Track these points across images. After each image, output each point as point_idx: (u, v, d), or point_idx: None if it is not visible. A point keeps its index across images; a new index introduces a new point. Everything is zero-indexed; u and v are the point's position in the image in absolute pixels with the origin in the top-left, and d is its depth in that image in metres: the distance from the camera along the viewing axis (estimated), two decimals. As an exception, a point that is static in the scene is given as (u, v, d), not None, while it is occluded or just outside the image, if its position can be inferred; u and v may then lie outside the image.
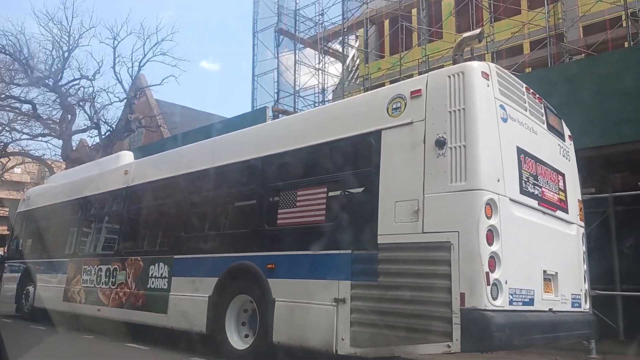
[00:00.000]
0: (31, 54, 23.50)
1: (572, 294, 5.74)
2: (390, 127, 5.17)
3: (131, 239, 8.76)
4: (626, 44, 13.75)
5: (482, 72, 4.84)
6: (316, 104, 21.41)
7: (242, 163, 6.85)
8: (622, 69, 8.78)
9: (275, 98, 20.74)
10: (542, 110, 5.87)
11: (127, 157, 9.95)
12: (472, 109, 4.67)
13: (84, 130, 25.11)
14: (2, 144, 27.26)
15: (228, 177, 7.09)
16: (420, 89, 5.05)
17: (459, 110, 4.70)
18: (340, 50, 21.78)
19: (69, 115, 23.84)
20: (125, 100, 24.13)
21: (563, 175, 6.08)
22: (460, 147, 4.61)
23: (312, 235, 5.61)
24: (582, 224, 6.39)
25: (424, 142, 4.83)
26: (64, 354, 7.03)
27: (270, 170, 6.46)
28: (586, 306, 6.05)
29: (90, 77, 24.08)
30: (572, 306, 5.73)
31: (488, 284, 4.31)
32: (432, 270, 4.51)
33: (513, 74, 5.64)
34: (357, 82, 21.10)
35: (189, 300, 6.83)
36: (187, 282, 7.03)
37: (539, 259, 5.19)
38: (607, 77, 8.88)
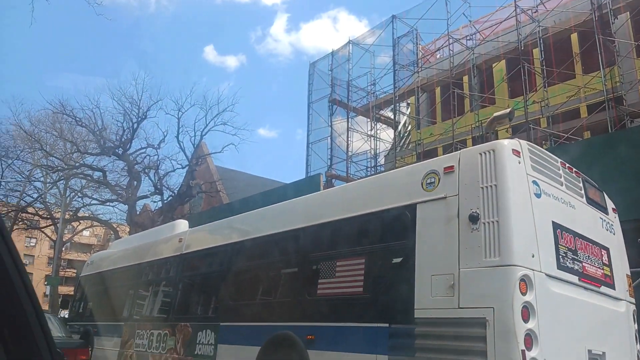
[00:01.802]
0: (104, 126, 25.45)
1: None
2: (425, 201, 5.26)
3: (182, 305, 8.93)
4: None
5: (512, 149, 4.93)
6: (368, 169, 21.63)
7: (285, 233, 7.04)
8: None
9: (329, 164, 21.14)
10: (581, 184, 5.84)
11: (182, 225, 10.34)
12: (504, 185, 4.72)
13: (147, 196, 26.47)
14: (74, 208, 29.08)
15: (272, 246, 7.30)
16: (453, 165, 5.17)
17: (491, 186, 4.76)
18: (392, 117, 22.17)
19: (135, 182, 25.29)
20: (187, 167, 25.35)
21: (607, 249, 5.91)
22: (493, 222, 4.63)
23: (350, 306, 5.69)
24: (633, 300, 6.11)
25: (458, 217, 4.87)
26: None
27: (310, 239, 6.65)
28: None
29: (155, 146, 25.68)
30: None
31: None
32: (468, 347, 4.42)
33: (549, 150, 5.78)
34: (410, 148, 21.25)
35: None
36: (231, 349, 7.06)
37: (582, 337, 5.02)
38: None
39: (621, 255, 6.22)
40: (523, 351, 4.18)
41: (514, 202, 4.69)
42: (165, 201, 25.36)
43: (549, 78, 16.49)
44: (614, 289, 5.76)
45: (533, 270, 4.52)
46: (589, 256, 5.50)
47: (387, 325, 5.14)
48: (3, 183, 27.21)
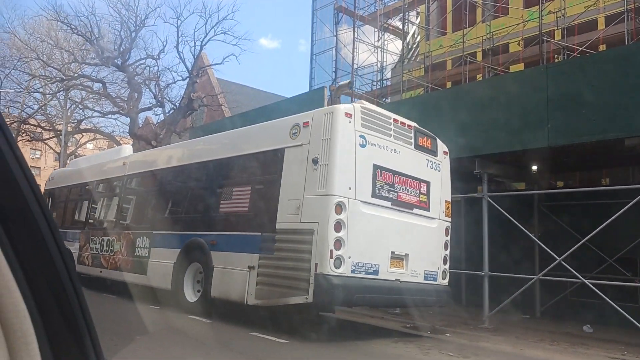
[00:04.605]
0: (101, 35, 24.57)
1: (426, 271, 7.66)
2: (290, 147, 7.19)
3: (125, 217, 10.95)
4: None
5: (345, 112, 6.81)
6: (374, 83, 21.11)
7: (197, 164, 9.28)
8: None
9: (333, 77, 20.57)
10: (411, 135, 7.70)
11: (127, 150, 12.62)
12: (334, 139, 6.67)
13: (149, 108, 26.17)
14: (76, 120, 28.88)
15: (188, 174, 9.45)
16: (308, 121, 7.05)
17: (328, 139, 6.71)
18: (401, 27, 21.24)
19: (136, 94, 24.83)
20: (187, 79, 24.79)
21: (428, 182, 7.86)
22: (325, 165, 6.63)
23: (239, 221, 7.91)
24: (448, 219, 8.18)
25: (307, 160, 6.82)
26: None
27: (214, 170, 8.84)
28: (444, 281, 7.99)
29: (155, 57, 24.95)
30: (425, 279, 7.65)
31: (332, 258, 6.38)
32: (302, 248, 6.59)
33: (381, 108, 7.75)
34: (418, 60, 20.57)
35: (161, 265, 9.00)
36: (160, 251, 9.23)
37: (388, 243, 7.12)
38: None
39: (443, 186, 8.15)
40: (331, 250, 6.39)
41: (340, 151, 6.65)
42: (167, 114, 25.08)
43: (568, -15, 15.53)
44: (428, 211, 7.81)
45: (348, 198, 6.60)
46: (405, 187, 7.47)
47: (260, 233, 7.30)
48: (3, 94, 26.78)
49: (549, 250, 9.38)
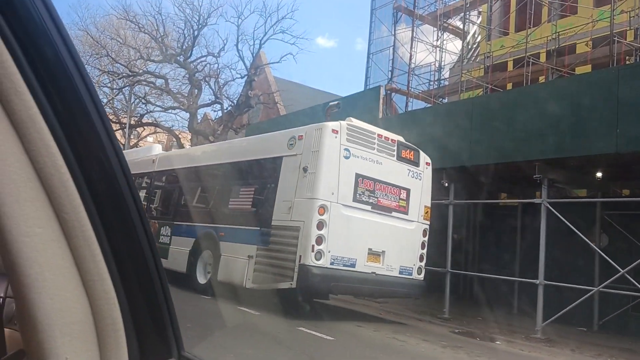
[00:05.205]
0: (166, 33, 25.51)
1: (401, 266, 8.80)
2: (287, 155, 8.40)
3: (153, 208, 12.05)
4: None
5: (332, 129, 8.01)
6: (431, 83, 20.75)
7: (213, 165, 10.51)
8: None
9: (389, 76, 20.38)
10: (394, 148, 8.82)
11: (156, 148, 13.90)
12: (322, 151, 7.88)
13: (208, 105, 26.90)
14: (139, 114, 30.12)
15: (205, 174, 10.59)
16: (303, 135, 8.26)
17: (317, 151, 7.92)
18: (461, 26, 20.78)
19: (196, 90, 25.62)
20: (245, 77, 25.30)
21: (408, 189, 8.96)
22: (314, 173, 7.83)
23: (244, 216, 9.05)
24: (426, 222, 9.21)
25: (300, 168, 8.01)
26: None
27: (226, 172, 10.09)
28: (419, 276, 9.09)
29: (215, 54, 25.63)
30: (400, 273, 8.78)
31: (313, 251, 7.59)
32: (290, 242, 7.85)
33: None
34: (477, 60, 20.04)
35: (179, 251, 10.23)
36: (180, 239, 10.47)
37: (366, 241, 8.29)
38: None
39: (423, 193, 9.20)
40: (313, 245, 7.62)
41: (326, 162, 7.84)
42: (225, 111, 25.70)
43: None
44: (407, 214, 8.94)
45: (330, 202, 7.82)
46: (385, 194, 8.62)
47: (259, 228, 8.53)
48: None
49: (611, 262, 8.90)
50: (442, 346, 7.65)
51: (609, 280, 8.95)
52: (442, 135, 11.14)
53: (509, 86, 17.27)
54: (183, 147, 25.17)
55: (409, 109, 19.42)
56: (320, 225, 7.65)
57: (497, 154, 10.09)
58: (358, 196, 8.15)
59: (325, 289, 8.26)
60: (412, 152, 9.11)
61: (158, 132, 34.09)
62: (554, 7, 17.16)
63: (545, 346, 8.52)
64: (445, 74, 21.27)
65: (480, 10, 20.92)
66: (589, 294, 9.26)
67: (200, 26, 25.24)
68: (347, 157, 8.02)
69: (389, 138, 8.78)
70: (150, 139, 35.77)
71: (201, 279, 9.59)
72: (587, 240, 9.48)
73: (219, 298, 8.65)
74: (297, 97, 26.00)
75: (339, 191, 7.88)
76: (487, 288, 12.81)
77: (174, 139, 29.12)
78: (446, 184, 10.91)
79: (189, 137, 28.72)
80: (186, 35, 25.26)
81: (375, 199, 8.42)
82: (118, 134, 31.52)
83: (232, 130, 24.86)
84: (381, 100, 15.23)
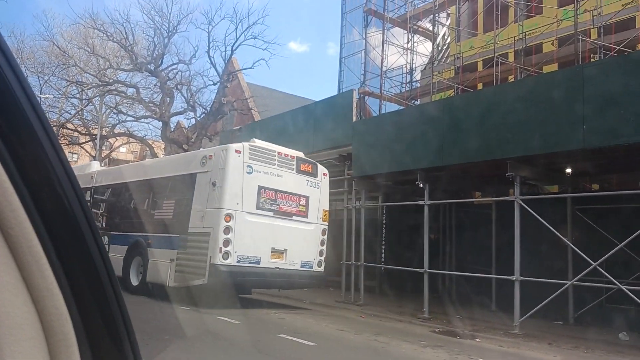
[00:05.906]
0: (135, 41, 25.16)
1: (302, 261, 10.41)
2: (200, 172, 9.95)
3: None
4: None
5: (235, 150, 9.63)
6: (403, 85, 20.95)
7: (138, 181, 11.78)
8: None
9: (362, 80, 20.52)
10: (294, 163, 10.48)
11: (95, 165, 15.28)
12: (226, 169, 9.45)
13: (181, 113, 26.59)
14: (110, 125, 29.62)
15: (134, 188, 11.83)
16: (212, 155, 9.92)
17: (222, 168, 9.48)
18: (430, 29, 21.04)
19: (168, 98, 25.31)
20: (218, 84, 25.12)
21: (307, 197, 10.61)
22: (220, 187, 9.39)
23: (167, 225, 10.41)
24: (325, 223, 10.98)
25: (210, 183, 9.55)
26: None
27: (150, 187, 11.31)
28: (319, 269, 10.74)
29: (187, 62, 25.38)
30: (302, 267, 10.38)
31: (220, 252, 9.11)
32: (203, 245, 9.34)
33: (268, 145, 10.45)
34: (448, 62, 20.32)
35: (115, 258, 11.13)
36: (115, 247, 11.63)
37: (269, 241, 9.87)
38: None
39: (322, 199, 10.91)
40: (220, 247, 9.13)
41: (231, 177, 9.41)
42: (198, 118, 25.46)
43: (604, -17, 15.09)
44: (306, 217, 10.60)
45: (235, 210, 9.37)
46: (286, 201, 10.23)
47: (179, 235, 9.99)
48: (42, 99, 27.66)
49: (583, 255, 9.09)
50: (422, 346, 7.69)
51: (582, 274, 9.14)
52: (415, 137, 11.25)
53: (480, 86, 17.55)
54: (157, 157, 24.83)
55: (382, 111, 19.56)
56: (227, 230, 9.18)
57: (470, 154, 10.23)
58: (261, 204, 9.78)
59: (233, 283, 9.55)
60: (310, 165, 10.80)
61: (131, 142, 33.58)
62: (520, 8, 17.53)
63: (524, 341, 8.64)
64: (417, 76, 21.51)
65: (449, 12, 21.23)
66: (563, 288, 9.43)
67: (170, 34, 25.00)
68: (249, 173, 9.60)
69: (288, 155, 10.45)
70: (123, 149, 35.20)
71: (134, 281, 10.94)
72: (559, 235, 9.66)
73: (150, 297, 9.98)
74: (271, 103, 25.93)
75: (243, 201, 9.46)
76: (466, 286, 12.97)
77: (148, 149, 28.71)
78: (421, 185, 11.00)
79: (163, 146, 28.37)
80: (156, 43, 25.00)
81: (277, 206, 10.05)
82: (89, 146, 30.98)
83: (207, 138, 24.66)
84: (355, 104, 15.30)
